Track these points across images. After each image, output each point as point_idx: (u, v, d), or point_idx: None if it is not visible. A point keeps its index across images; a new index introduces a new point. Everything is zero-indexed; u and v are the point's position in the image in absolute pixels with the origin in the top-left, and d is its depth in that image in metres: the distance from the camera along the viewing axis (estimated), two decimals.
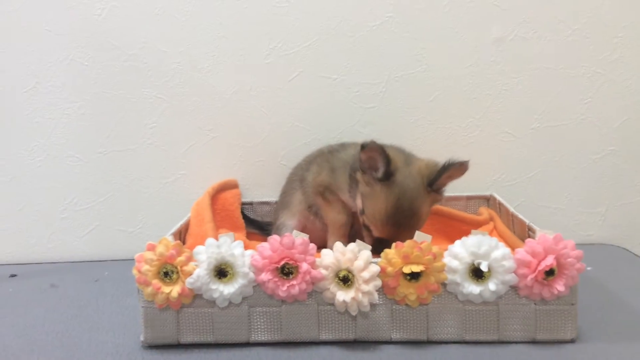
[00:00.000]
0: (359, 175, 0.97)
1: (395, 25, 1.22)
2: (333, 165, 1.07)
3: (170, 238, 0.80)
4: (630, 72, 1.23)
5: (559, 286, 0.78)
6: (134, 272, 0.80)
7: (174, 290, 0.79)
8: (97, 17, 1.22)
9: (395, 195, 0.92)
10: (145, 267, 0.79)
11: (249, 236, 1.22)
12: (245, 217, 1.24)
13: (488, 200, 1.24)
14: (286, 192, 1.18)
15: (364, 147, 0.92)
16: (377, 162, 0.92)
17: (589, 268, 1.02)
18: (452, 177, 0.94)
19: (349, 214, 1.06)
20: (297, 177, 1.16)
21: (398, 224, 0.92)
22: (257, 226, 1.25)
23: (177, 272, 0.79)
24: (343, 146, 1.12)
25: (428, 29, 1.23)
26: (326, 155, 1.11)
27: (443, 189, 0.97)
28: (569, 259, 0.77)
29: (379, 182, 0.93)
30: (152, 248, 0.79)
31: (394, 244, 0.79)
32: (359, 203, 0.98)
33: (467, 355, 0.79)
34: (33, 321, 0.95)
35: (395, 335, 0.82)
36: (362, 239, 0.82)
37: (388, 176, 0.92)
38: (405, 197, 0.92)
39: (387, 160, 0.91)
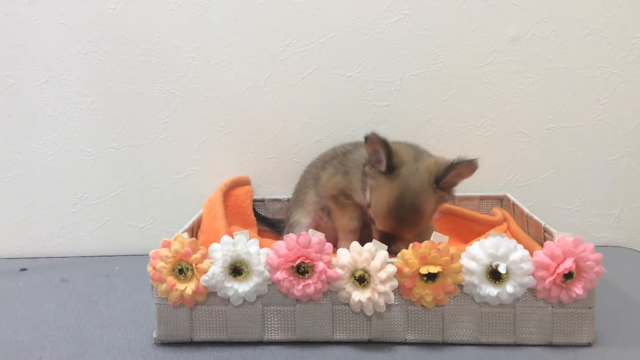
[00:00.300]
0: (367, 168, 0.97)
1: (411, 23, 1.21)
2: (347, 167, 1.06)
3: (185, 235, 0.80)
4: None
5: (578, 289, 0.77)
6: (149, 268, 0.79)
7: (189, 287, 0.78)
8: (111, 10, 1.21)
9: (398, 189, 0.91)
10: (160, 264, 0.78)
11: (260, 233, 1.22)
12: (256, 214, 1.24)
13: (502, 201, 1.23)
14: (300, 190, 1.17)
15: (366, 139, 0.92)
16: (379, 154, 0.92)
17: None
18: (461, 176, 0.93)
19: (360, 219, 1.05)
20: (311, 176, 1.15)
21: (399, 219, 0.91)
22: (268, 223, 1.24)
23: (192, 270, 0.79)
24: (356, 146, 1.12)
25: (444, 27, 1.22)
26: (340, 158, 1.10)
27: (453, 188, 0.95)
28: (588, 262, 0.77)
29: (383, 175, 0.93)
30: (167, 245, 0.78)
31: (411, 245, 0.78)
32: (367, 196, 0.97)
33: (482, 358, 0.78)
34: (44, 316, 0.94)
35: (410, 337, 0.81)
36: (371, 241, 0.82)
37: (391, 169, 0.92)
38: (408, 192, 0.91)
39: (389, 153, 0.91)
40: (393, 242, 0.90)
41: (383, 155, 0.92)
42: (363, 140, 0.94)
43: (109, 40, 1.22)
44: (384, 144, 0.90)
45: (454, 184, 0.94)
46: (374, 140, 0.91)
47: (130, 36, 1.22)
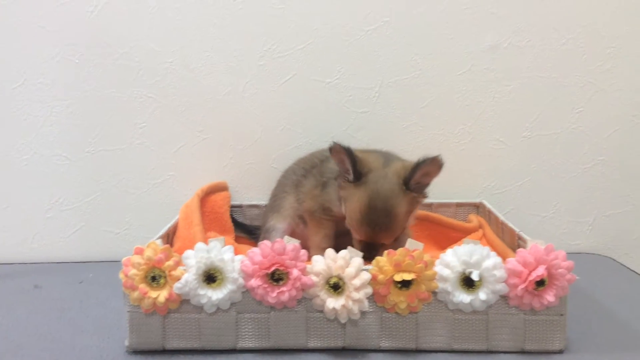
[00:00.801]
0: (339, 180, 0.97)
1: (390, 31, 1.22)
2: (325, 177, 1.05)
3: (158, 242, 0.79)
4: (622, 83, 1.24)
5: (549, 297, 0.78)
6: (121, 276, 0.78)
7: (161, 295, 0.78)
8: (89, 14, 1.20)
9: (367, 195, 0.92)
10: (133, 271, 0.77)
11: (237, 240, 1.21)
12: (233, 220, 1.23)
13: (478, 208, 1.24)
14: (277, 196, 1.16)
15: (330, 150, 0.93)
16: (345, 163, 0.93)
17: (577, 278, 1.02)
18: (429, 175, 0.93)
19: (333, 239, 1.04)
20: (290, 182, 1.14)
21: (373, 224, 0.91)
22: (246, 230, 1.24)
23: (165, 277, 0.78)
24: None
25: (423, 35, 1.22)
26: (319, 167, 1.09)
27: (425, 189, 0.96)
28: (560, 270, 0.77)
29: (352, 184, 0.93)
30: (140, 252, 0.78)
31: (386, 252, 0.78)
32: (342, 209, 0.97)
33: None
34: (16, 322, 0.93)
35: (384, 344, 0.81)
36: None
37: (358, 177, 0.93)
38: (378, 197, 0.91)
39: (354, 161, 0.92)
40: (375, 251, 0.89)
41: (349, 164, 0.92)
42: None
43: (87, 44, 1.21)
44: (348, 152, 0.91)
45: (424, 184, 0.95)
46: (337, 150, 0.92)
47: (108, 40, 1.21)
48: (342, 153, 0.92)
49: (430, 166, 0.91)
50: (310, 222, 1.07)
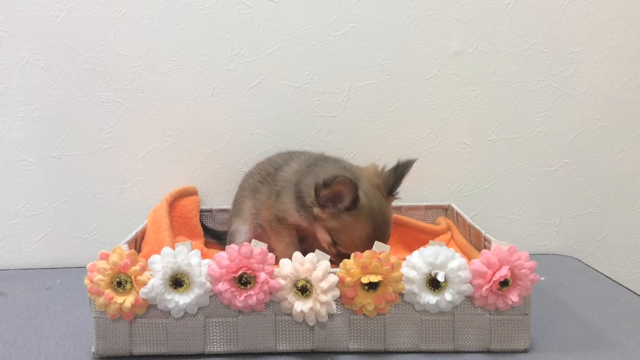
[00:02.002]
0: (316, 211, 0.94)
1: (358, 36, 1.23)
2: (278, 186, 1.04)
3: (124, 247, 0.78)
4: (584, 87, 1.27)
5: (513, 297, 0.79)
6: (86, 281, 0.78)
7: (127, 300, 0.77)
8: (55, 18, 1.19)
9: (369, 218, 0.93)
10: (98, 277, 0.77)
11: (207, 245, 1.20)
12: (202, 226, 1.22)
13: (446, 210, 1.26)
14: (238, 200, 1.16)
15: (327, 184, 0.89)
16: (344, 194, 0.91)
17: (542, 278, 1.04)
18: (402, 176, 0.99)
19: (297, 244, 1.05)
20: (248, 186, 1.14)
21: (380, 234, 0.92)
22: (214, 235, 1.23)
23: (131, 282, 0.77)
24: (287, 160, 1.10)
25: (390, 41, 1.24)
26: (273, 175, 1.08)
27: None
28: (523, 270, 0.79)
29: (346, 212, 0.92)
30: (105, 257, 0.77)
31: (353, 255, 0.79)
32: (325, 237, 0.96)
33: None
34: None
35: (353, 346, 0.82)
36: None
37: (356, 204, 0.91)
38: (378, 216, 0.93)
39: (355, 190, 0.89)
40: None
41: (349, 194, 0.90)
42: (302, 159, 1.01)
43: (52, 48, 1.20)
44: (352, 184, 0.88)
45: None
46: (344, 183, 0.88)
47: (74, 44, 1.20)
48: (346, 185, 0.88)
49: (408, 170, 0.97)
50: (270, 233, 1.06)
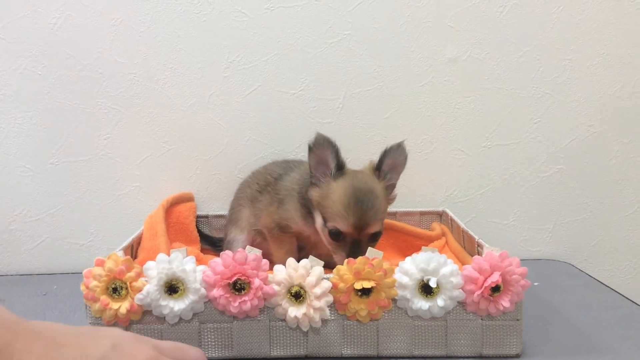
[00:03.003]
0: (311, 192, 0.97)
1: (353, 43, 1.24)
2: (280, 195, 1.06)
3: (120, 253, 0.79)
4: (577, 93, 1.28)
5: (505, 302, 0.80)
6: (82, 288, 0.78)
7: (123, 306, 0.78)
8: (52, 25, 1.20)
9: (350, 181, 0.94)
10: (94, 283, 0.77)
11: (203, 251, 1.21)
12: (198, 232, 1.23)
13: (441, 216, 1.27)
14: (234, 208, 1.17)
15: (311, 147, 0.94)
16: (327, 157, 0.94)
17: (535, 283, 1.05)
18: (396, 167, 0.98)
19: (296, 252, 1.06)
20: (245, 195, 1.15)
21: (361, 210, 0.91)
22: (210, 242, 1.24)
23: (127, 288, 0.78)
24: (287, 169, 1.11)
25: (384, 48, 1.25)
26: (273, 185, 1.09)
27: (394, 189, 1.00)
28: (514, 276, 0.79)
29: (332, 179, 0.95)
30: (100, 263, 0.78)
31: (346, 261, 0.80)
32: (318, 220, 0.97)
33: None
34: None
35: (346, 351, 0.83)
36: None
37: (341, 167, 0.95)
38: (360, 180, 0.94)
39: (337, 151, 0.94)
40: (360, 248, 0.90)
41: (332, 156, 0.94)
42: (303, 167, 0.99)
43: (50, 55, 1.21)
44: (330, 142, 0.94)
45: (393, 181, 0.99)
46: (320, 143, 0.93)
47: (71, 51, 1.21)
48: (327, 145, 0.93)
49: (396, 154, 0.97)
50: (270, 240, 1.07)
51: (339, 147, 0.95)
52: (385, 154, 0.97)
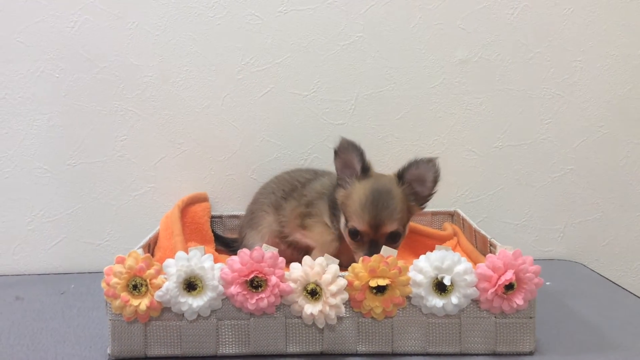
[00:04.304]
0: (338, 193, 1.00)
1: (365, 45, 1.26)
2: (309, 197, 1.08)
3: (140, 251, 0.81)
4: (588, 94, 1.29)
5: (518, 300, 0.80)
6: (103, 284, 0.80)
7: (143, 303, 0.79)
8: (70, 29, 1.22)
9: (371, 182, 0.97)
10: (114, 280, 0.79)
11: (217, 252, 1.22)
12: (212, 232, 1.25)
13: (452, 216, 1.27)
14: (255, 213, 1.17)
15: (337, 151, 0.98)
16: (352, 159, 0.97)
17: (547, 283, 1.06)
18: (423, 181, 0.99)
19: (334, 232, 1.06)
20: (269, 201, 1.15)
21: (376, 208, 0.94)
22: (223, 243, 1.24)
23: (146, 285, 0.79)
24: (316, 174, 1.14)
25: (396, 49, 1.26)
26: (300, 190, 1.11)
27: (424, 202, 1.01)
28: (528, 274, 0.80)
29: (356, 180, 0.98)
30: (121, 261, 0.79)
31: (361, 259, 0.81)
32: (342, 221, 1.00)
33: None
34: None
35: (361, 348, 0.84)
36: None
37: (366, 169, 0.97)
38: (379, 182, 0.97)
39: (361, 153, 0.97)
40: (377, 248, 0.90)
41: (357, 158, 0.97)
42: (332, 175, 1.02)
43: (67, 58, 1.23)
44: (355, 145, 0.97)
45: (422, 194, 1.00)
46: (345, 146, 0.97)
47: (88, 54, 1.23)
48: (352, 149, 0.97)
49: (425, 168, 0.97)
50: (304, 233, 1.07)
51: (363, 150, 0.97)
52: (411, 163, 0.98)
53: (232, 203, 1.31)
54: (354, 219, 0.96)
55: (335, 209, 1.03)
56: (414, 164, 0.98)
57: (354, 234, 0.97)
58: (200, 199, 1.26)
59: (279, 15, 1.24)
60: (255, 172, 1.29)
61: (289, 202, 1.11)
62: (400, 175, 0.98)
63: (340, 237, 1.04)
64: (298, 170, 1.19)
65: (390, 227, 0.95)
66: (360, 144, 0.98)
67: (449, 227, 1.22)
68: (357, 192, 0.97)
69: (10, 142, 1.25)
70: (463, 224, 1.19)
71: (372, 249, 0.92)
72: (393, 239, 0.96)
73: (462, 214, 1.21)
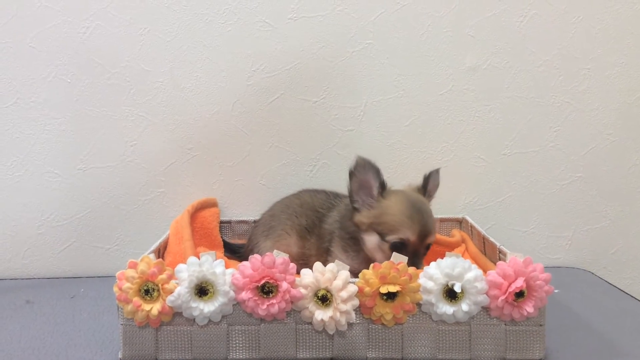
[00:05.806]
0: (357, 217, 0.97)
1: (374, 52, 1.26)
2: (326, 244, 1.04)
3: (152, 256, 0.81)
4: (596, 102, 1.29)
5: (528, 307, 0.81)
6: (115, 289, 0.80)
7: (154, 308, 0.80)
8: (81, 35, 1.23)
9: (402, 196, 0.97)
10: (127, 285, 0.79)
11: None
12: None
13: (460, 223, 1.28)
14: (274, 228, 1.12)
15: (353, 171, 0.96)
16: (369, 179, 0.96)
17: (556, 290, 1.05)
18: (433, 190, 1.04)
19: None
20: (292, 224, 1.10)
21: (422, 219, 0.94)
22: (230, 249, 1.24)
23: (158, 290, 0.80)
24: (329, 208, 1.09)
25: (405, 57, 1.27)
26: (319, 228, 1.07)
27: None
28: (538, 282, 0.80)
29: (382, 197, 0.96)
30: (133, 266, 0.80)
31: (372, 265, 0.81)
32: (373, 240, 0.95)
33: None
34: (9, 337, 0.94)
35: (371, 354, 0.84)
36: None
37: (384, 186, 0.96)
38: (409, 195, 0.98)
39: (378, 171, 0.96)
40: (420, 258, 0.94)
41: (374, 178, 0.96)
42: (342, 205, 1.03)
43: (79, 64, 1.24)
44: (371, 164, 0.95)
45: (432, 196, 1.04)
46: (363, 165, 0.95)
47: (100, 60, 1.24)
48: (368, 167, 0.95)
49: (434, 179, 1.03)
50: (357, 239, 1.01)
51: (379, 167, 0.96)
52: (430, 175, 1.02)
53: (241, 208, 1.31)
54: (401, 231, 0.92)
55: (347, 238, 1.00)
56: (432, 176, 1.02)
57: (399, 245, 0.93)
58: (210, 204, 1.27)
59: (289, 22, 1.25)
60: (264, 177, 1.30)
61: (312, 237, 1.08)
62: (425, 187, 1.01)
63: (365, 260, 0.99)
64: (317, 197, 1.14)
65: (433, 236, 0.96)
66: (375, 161, 0.96)
67: (457, 234, 1.22)
68: (393, 207, 0.94)
69: (21, 146, 1.26)
70: (471, 230, 1.19)
71: (415, 259, 0.91)
72: (428, 249, 0.97)
73: (470, 220, 1.21)
